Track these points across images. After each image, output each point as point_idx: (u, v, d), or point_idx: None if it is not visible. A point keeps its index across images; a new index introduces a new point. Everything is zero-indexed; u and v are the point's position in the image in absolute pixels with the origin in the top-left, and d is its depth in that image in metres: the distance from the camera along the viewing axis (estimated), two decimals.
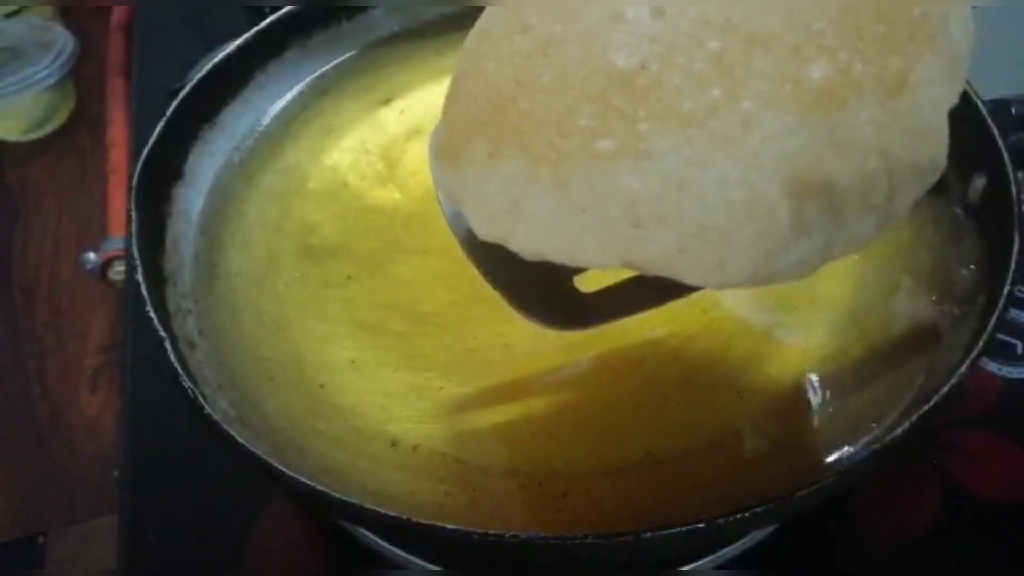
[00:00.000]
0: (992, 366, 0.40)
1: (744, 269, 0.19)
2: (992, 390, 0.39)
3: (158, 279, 0.32)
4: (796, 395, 0.29)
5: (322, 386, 0.30)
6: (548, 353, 0.30)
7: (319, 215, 0.36)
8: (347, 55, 0.42)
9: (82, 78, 1.28)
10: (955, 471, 0.37)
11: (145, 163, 0.33)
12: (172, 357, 0.28)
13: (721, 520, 0.23)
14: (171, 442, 0.40)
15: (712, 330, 0.31)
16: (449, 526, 0.23)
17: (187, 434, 0.37)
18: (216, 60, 0.37)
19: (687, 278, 0.20)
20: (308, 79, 0.41)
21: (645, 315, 0.27)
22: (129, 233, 0.32)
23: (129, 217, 0.32)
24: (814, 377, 0.29)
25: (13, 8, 1.26)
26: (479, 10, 0.42)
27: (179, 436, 0.39)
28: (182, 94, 0.35)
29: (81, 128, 1.28)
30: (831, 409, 0.28)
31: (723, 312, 0.31)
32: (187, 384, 0.27)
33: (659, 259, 0.19)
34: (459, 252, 0.34)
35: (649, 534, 0.23)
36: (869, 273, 0.31)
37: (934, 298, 0.30)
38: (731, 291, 0.31)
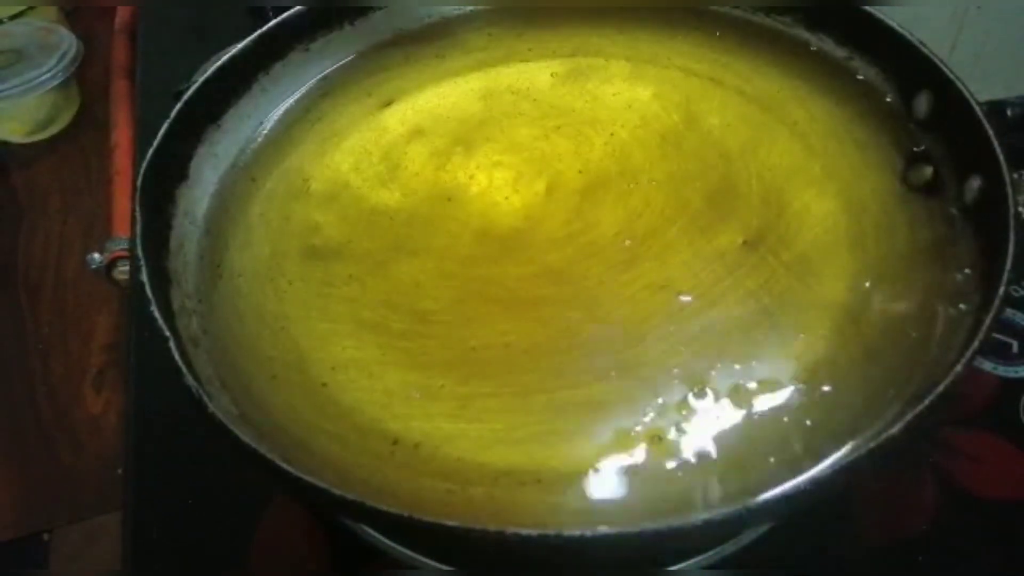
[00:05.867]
0: (988, 365, 0.40)
1: None
2: (988, 389, 0.39)
3: (163, 279, 0.33)
4: (791, 395, 0.29)
5: (324, 384, 0.31)
6: (548, 352, 0.31)
7: (321, 216, 0.36)
8: (349, 58, 0.42)
9: (86, 80, 1.28)
10: (952, 470, 0.37)
11: (150, 165, 0.33)
12: (176, 356, 0.28)
13: (717, 517, 0.23)
14: (175, 440, 0.41)
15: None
16: (450, 523, 0.23)
17: (191, 432, 0.37)
18: (220, 63, 0.37)
19: None
20: (311, 82, 0.41)
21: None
22: (134, 234, 0.32)
23: (134, 218, 0.32)
24: (810, 376, 0.29)
25: (18, 10, 1.26)
26: (481, 12, 0.43)
27: (183, 434, 0.39)
28: (186, 96, 0.36)
29: (85, 130, 1.29)
30: (827, 408, 0.28)
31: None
32: (191, 382, 0.27)
33: None
34: (460, 251, 0.34)
35: (648, 530, 0.23)
36: (865, 273, 0.32)
37: (930, 298, 0.31)
38: None
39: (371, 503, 0.24)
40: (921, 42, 0.34)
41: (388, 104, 0.40)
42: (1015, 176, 0.30)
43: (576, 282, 0.33)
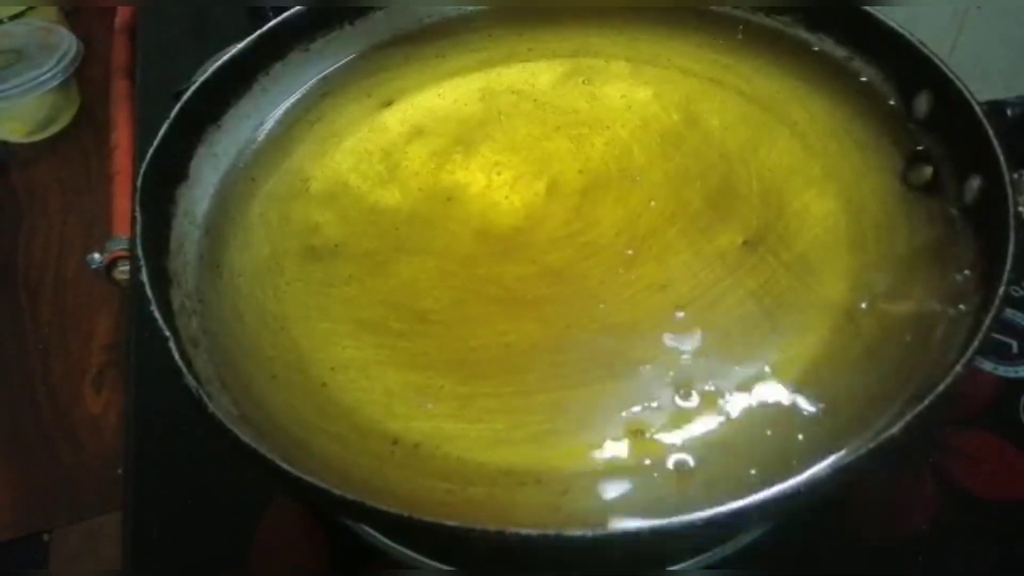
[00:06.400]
0: (988, 365, 0.40)
1: None
2: (988, 389, 0.39)
3: (162, 279, 0.33)
4: (792, 394, 0.29)
5: (324, 384, 0.31)
6: (548, 352, 0.31)
7: (321, 216, 0.36)
8: (349, 58, 0.42)
9: (86, 80, 1.28)
10: (952, 470, 0.37)
11: (150, 165, 0.33)
12: (176, 356, 0.28)
13: (717, 517, 0.23)
14: (175, 440, 0.41)
15: None
16: (449, 523, 0.23)
17: (191, 432, 0.37)
18: (220, 63, 0.37)
19: None
20: (310, 82, 0.41)
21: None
22: (134, 234, 0.32)
23: (134, 218, 0.32)
24: (810, 376, 0.29)
25: (18, 10, 1.26)
26: (481, 12, 0.43)
27: (183, 434, 0.39)
28: (186, 96, 0.36)
29: (85, 130, 1.29)
30: (827, 408, 0.28)
31: None
32: (191, 382, 0.27)
33: None
34: (460, 251, 0.34)
35: (647, 530, 0.23)
36: (865, 273, 0.32)
37: (930, 298, 0.31)
38: None
39: (371, 503, 0.24)
40: (921, 42, 0.34)
41: (388, 104, 0.40)
42: (1015, 176, 0.30)
43: (576, 282, 0.33)
